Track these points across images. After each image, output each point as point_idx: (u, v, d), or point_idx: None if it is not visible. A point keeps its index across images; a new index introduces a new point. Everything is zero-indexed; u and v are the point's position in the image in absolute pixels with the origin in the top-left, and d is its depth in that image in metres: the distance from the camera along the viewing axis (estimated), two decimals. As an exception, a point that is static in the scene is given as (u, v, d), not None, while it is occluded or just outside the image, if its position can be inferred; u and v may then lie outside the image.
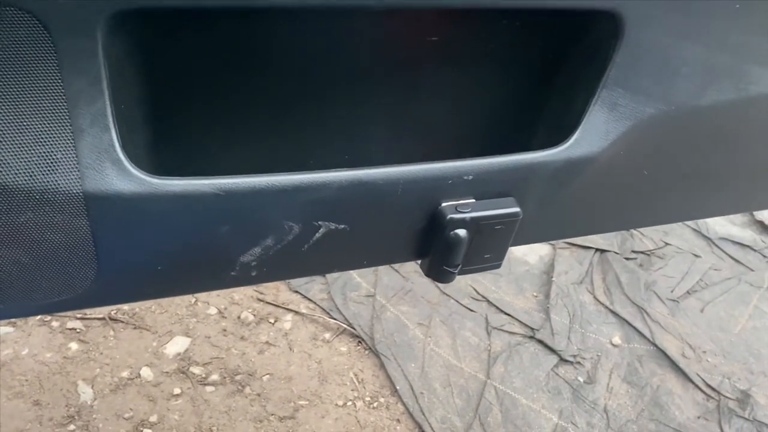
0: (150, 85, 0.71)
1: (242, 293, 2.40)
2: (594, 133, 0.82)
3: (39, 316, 2.15)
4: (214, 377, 2.06)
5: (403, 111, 0.87)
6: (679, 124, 0.87)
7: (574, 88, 0.82)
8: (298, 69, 0.77)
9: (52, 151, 0.58)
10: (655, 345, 2.43)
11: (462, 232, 0.81)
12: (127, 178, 0.62)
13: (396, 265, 2.63)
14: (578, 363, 2.32)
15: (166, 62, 0.70)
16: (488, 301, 2.53)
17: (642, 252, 3.01)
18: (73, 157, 0.59)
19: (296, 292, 2.46)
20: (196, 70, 0.73)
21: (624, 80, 0.79)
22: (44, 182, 0.59)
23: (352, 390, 2.10)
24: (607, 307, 2.61)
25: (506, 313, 2.49)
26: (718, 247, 3.13)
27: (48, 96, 0.56)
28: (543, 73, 0.86)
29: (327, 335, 2.29)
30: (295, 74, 0.77)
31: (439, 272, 0.88)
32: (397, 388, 2.11)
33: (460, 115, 0.91)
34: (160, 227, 0.68)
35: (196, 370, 2.07)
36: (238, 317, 2.29)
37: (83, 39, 0.55)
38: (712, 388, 2.28)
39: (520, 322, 2.46)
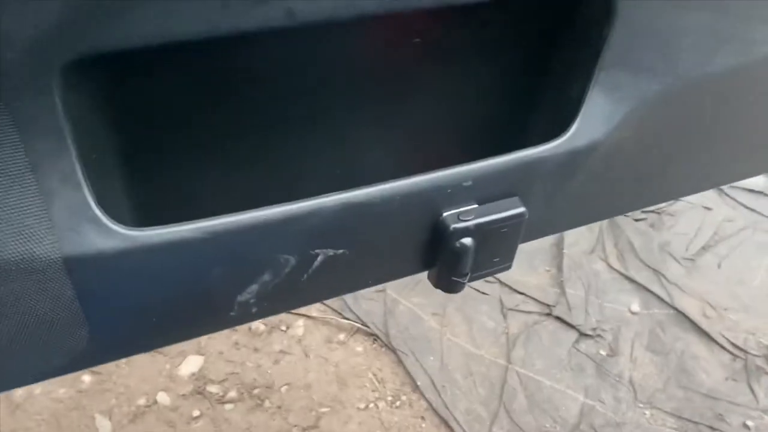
0: (121, 129, 0.66)
1: (251, 303, 2.36)
2: (595, 120, 0.77)
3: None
4: (232, 394, 2.02)
5: (393, 118, 0.81)
6: (686, 97, 0.82)
7: (569, 75, 0.77)
8: (274, 92, 0.72)
9: (22, 219, 0.54)
10: (675, 308, 2.39)
11: (467, 241, 0.77)
12: (106, 234, 0.58)
13: (403, 256, 2.58)
14: (599, 336, 2.28)
15: (133, 104, 0.65)
16: (500, 282, 2.49)
17: (652, 211, 2.95)
18: (45, 222, 0.55)
19: (305, 295, 2.41)
20: (167, 107, 0.68)
21: (622, 59, 0.73)
22: (18, 253, 0.54)
23: (373, 391, 2.06)
24: (622, 274, 2.56)
25: (520, 293, 2.45)
26: (729, 197, 3.05)
27: (9, 162, 0.51)
28: (536, 63, 0.81)
29: (341, 336, 2.26)
30: (272, 98, 0.72)
31: (448, 283, 0.84)
32: (418, 383, 2.07)
33: (454, 117, 0.86)
34: (148, 280, 0.64)
35: (212, 388, 2.04)
36: (249, 328, 2.26)
37: (38, 96, 0.50)
38: (738, 347, 2.24)
39: (535, 300, 2.42)
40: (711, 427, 1.99)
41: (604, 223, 2.83)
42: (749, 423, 2.00)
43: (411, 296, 2.41)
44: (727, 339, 2.26)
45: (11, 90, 0.48)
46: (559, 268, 2.57)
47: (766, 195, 3.08)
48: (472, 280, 0.84)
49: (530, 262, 2.59)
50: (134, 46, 0.52)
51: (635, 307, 2.40)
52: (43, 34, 0.48)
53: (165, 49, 0.56)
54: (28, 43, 0.47)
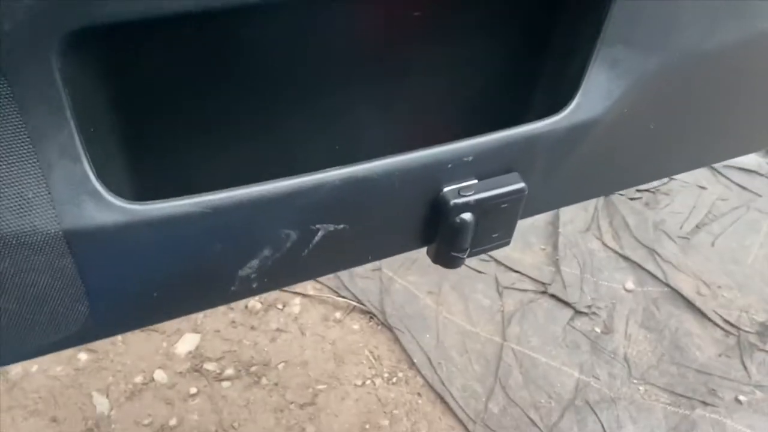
0: (120, 102, 0.65)
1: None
2: (596, 95, 0.77)
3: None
4: (229, 371, 2.03)
5: (393, 93, 0.81)
6: (685, 72, 0.82)
7: (570, 50, 0.77)
8: (274, 66, 0.71)
9: (21, 192, 0.53)
10: (669, 286, 2.40)
11: (467, 216, 0.77)
12: (106, 208, 0.58)
13: (399, 235, 2.59)
14: (593, 313, 2.29)
15: (133, 77, 0.65)
16: (496, 260, 2.50)
17: (647, 190, 2.95)
18: (45, 195, 0.54)
19: (301, 274, 2.42)
20: (166, 80, 0.67)
21: (623, 35, 0.73)
22: (18, 225, 0.54)
23: (370, 368, 2.08)
24: (617, 252, 2.58)
25: (516, 271, 2.46)
26: (724, 176, 3.06)
27: (7, 134, 0.51)
28: (537, 38, 0.80)
29: (338, 314, 2.26)
30: (271, 72, 0.71)
31: (447, 258, 0.84)
32: (415, 360, 2.08)
33: (454, 93, 0.85)
34: (149, 254, 0.64)
35: (209, 366, 2.04)
36: (246, 307, 2.26)
37: (36, 67, 0.49)
38: (731, 324, 2.26)
39: (531, 278, 2.43)
40: (704, 402, 2.01)
41: (599, 201, 2.84)
42: (741, 398, 2.03)
43: (407, 275, 2.41)
44: (720, 316, 2.28)
45: (9, 61, 0.48)
46: (555, 247, 2.58)
47: (759, 174, 3.09)
48: (471, 255, 0.84)
49: (526, 241, 2.60)
50: (132, 18, 0.51)
51: (630, 285, 2.42)
52: (41, 4, 0.47)
53: (164, 22, 0.55)
54: (27, 13, 0.47)
